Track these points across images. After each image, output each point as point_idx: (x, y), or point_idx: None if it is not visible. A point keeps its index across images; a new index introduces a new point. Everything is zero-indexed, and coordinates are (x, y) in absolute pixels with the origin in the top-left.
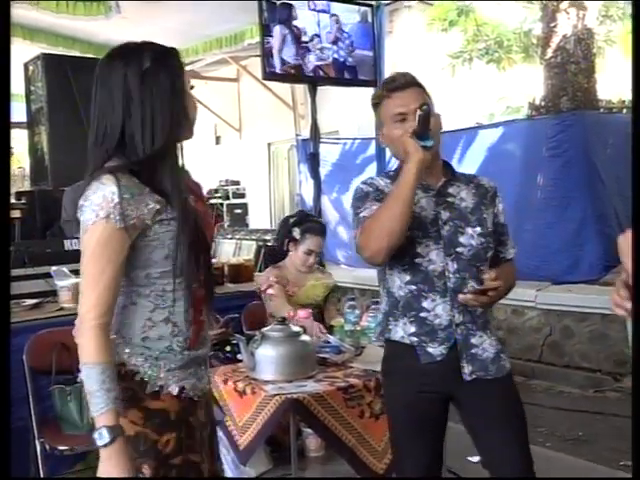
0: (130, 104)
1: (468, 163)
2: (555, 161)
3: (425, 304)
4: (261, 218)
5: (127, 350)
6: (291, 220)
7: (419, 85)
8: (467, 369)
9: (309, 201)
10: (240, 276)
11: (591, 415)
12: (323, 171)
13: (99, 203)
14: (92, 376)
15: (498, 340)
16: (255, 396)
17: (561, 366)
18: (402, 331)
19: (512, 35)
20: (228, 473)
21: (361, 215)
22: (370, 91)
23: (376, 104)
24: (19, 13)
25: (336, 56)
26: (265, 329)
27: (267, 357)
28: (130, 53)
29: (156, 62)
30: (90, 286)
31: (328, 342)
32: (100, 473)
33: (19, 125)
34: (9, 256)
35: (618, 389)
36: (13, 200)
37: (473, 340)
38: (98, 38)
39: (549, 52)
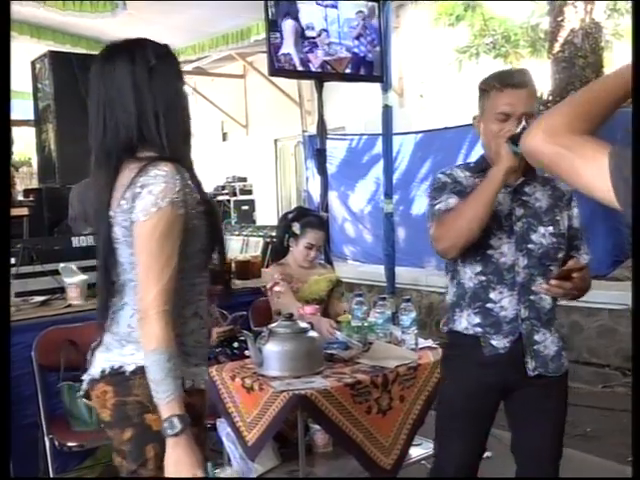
0: (142, 98)
1: (475, 159)
2: None
3: (492, 295)
4: (268, 214)
5: None
6: (290, 216)
7: (533, 86)
8: (531, 364)
9: (316, 197)
10: (247, 273)
11: (599, 410)
12: (330, 167)
13: (161, 190)
14: (160, 363)
15: (560, 338)
16: (263, 392)
17: (570, 361)
18: (466, 322)
19: (519, 29)
20: (236, 469)
21: (436, 207)
22: (377, 87)
23: (483, 90)
24: (26, 11)
25: (353, 52)
26: (272, 325)
27: (275, 353)
28: (133, 49)
29: (161, 59)
30: (156, 274)
31: (336, 338)
32: (171, 463)
33: (26, 123)
34: (9, 255)
35: (626, 384)
36: (21, 197)
37: (537, 336)
38: (105, 35)
39: (557, 46)
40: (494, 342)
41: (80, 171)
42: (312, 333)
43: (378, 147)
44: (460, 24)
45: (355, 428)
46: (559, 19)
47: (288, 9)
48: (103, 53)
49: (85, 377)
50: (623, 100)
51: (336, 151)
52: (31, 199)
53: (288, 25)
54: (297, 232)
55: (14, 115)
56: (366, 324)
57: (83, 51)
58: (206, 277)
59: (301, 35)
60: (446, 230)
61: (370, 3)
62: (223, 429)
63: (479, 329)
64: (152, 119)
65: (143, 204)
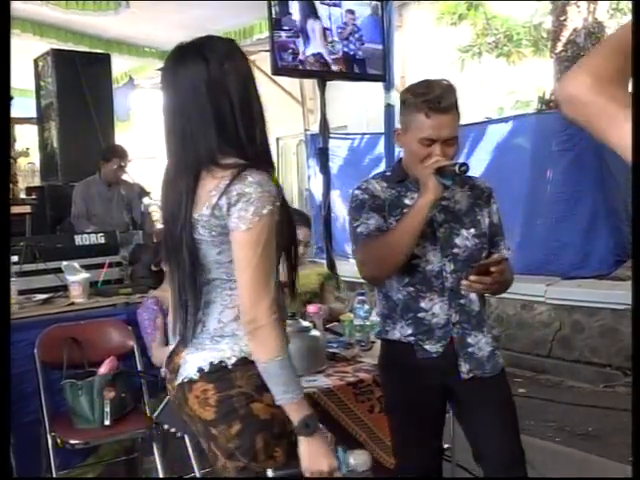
0: (218, 102)
1: (477, 158)
2: (565, 155)
3: (423, 304)
4: None
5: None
6: None
7: (457, 107)
8: (464, 367)
9: (318, 196)
10: None
11: (601, 410)
12: (332, 166)
13: (260, 198)
14: (284, 368)
15: (493, 338)
16: None
17: (571, 361)
18: (399, 333)
19: (522, 29)
20: None
21: (358, 231)
22: (379, 85)
23: (406, 106)
24: (29, 9)
25: (346, 50)
26: None
27: None
28: (204, 50)
29: (232, 56)
30: (263, 284)
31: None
32: (308, 457)
33: (29, 121)
34: (9, 254)
35: (628, 384)
36: (23, 195)
37: (469, 339)
38: (108, 33)
39: (559, 46)
40: (427, 347)
41: (82, 169)
42: (314, 332)
43: (380, 146)
44: (462, 23)
45: (358, 427)
46: (562, 18)
47: (309, 10)
48: (172, 56)
49: (175, 382)
50: None
51: (338, 150)
52: (34, 197)
53: (317, 25)
54: None
55: (17, 113)
56: (368, 323)
57: (86, 49)
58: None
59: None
60: (371, 259)
61: (373, 2)
62: None
63: (412, 338)
64: (231, 123)
65: (243, 213)
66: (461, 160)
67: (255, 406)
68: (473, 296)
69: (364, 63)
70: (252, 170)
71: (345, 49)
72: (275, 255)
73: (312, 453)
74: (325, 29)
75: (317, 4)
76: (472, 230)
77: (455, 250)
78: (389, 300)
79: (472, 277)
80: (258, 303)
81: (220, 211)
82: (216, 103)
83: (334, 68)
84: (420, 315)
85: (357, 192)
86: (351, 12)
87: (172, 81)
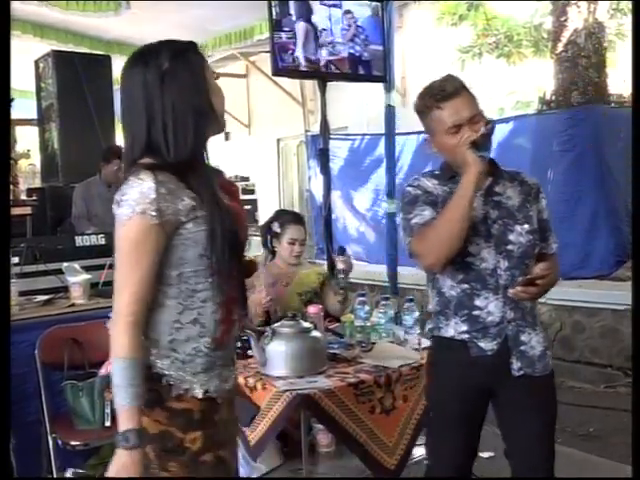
0: (152, 107)
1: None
2: (566, 156)
3: (478, 302)
4: (271, 214)
5: (154, 352)
6: (269, 219)
7: (466, 88)
8: (516, 365)
9: (318, 197)
10: (250, 272)
11: (602, 410)
12: (333, 167)
13: (136, 198)
14: (119, 371)
15: (545, 337)
16: (266, 392)
17: (572, 361)
18: (453, 330)
19: (522, 29)
20: (239, 469)
21: (413, 222)
22: (379, 86)
23: (422, 112)
24: (30, 10)
25: (352, 51)
26: (276, 325)
27: (278, 353)
28: (148, 55)
29: (174, 60)
30: (125, 282)
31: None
32: (113, 470)
33: (30, 122)
34: (9, 255)
35: (629, 384)
36: (24, 197)
37: (523, 337)
38: (108, 35)
39: (560, 46)
40: (482, 344)
41: (83, 170)
42: (315, 333)
43: (381, 147)
44: (463, 24)
45: (358, 428)
46: (562, 19)
47: (301, 9)
48: (125, 62)
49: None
50: None
51: (339, 151)
52: (34, 198)
53: (305, 26)
54: (278, 230)
55: (17, 114)
56: (369, 324)
57: (86, 50)
58: (218, 282)
59: (314, 37)
60: (428, 245)
61: (374, 3)
62: None
63: (466, 335)
64: (160, 127)
65: (120, 212)
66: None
67: (143, 419)
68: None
69: (369, 64)
70: (140, 171)
71: (351, 50)
72: (147, 259)
73: (119, 467)
74: (323, 30)
75: (316, 5)
76: (526, 226)
77: (509, 247)
78: (442, 296)
79: (518, 288)
80: (118, 300)
81: (115, 209)
82: (150, 107)
83: (333, 69)
84: (475, 313)
85: (409, 188)
86: (349, 12)
87: (120, 84)
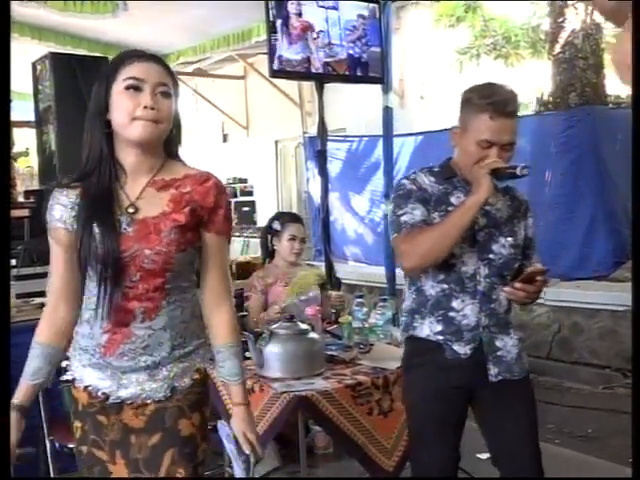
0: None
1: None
2: (564, 157)
3: (454, 304)
4: (269, 216)
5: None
6: (269, 219)
7: (517, 114)
8: (493, 370)
9: (317, 198)
10: (248, 274)
11: (600, 412)
12: (331, 168)
13: (49, 210)
14: (30, 350)
15: (519, 339)
16: (263, 394)
17: (570, 363)
18: (428, 329)
19: (520, 30)
20: (237, 471)
21: (402, 219)
22: (377, 88)
23: (470, 105)
24: (27, 12)
25: (351, 52)
26: (273, 326)
27: (275, 354)
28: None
29: (100, 73)
30: (50, 280)
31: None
32: None
33: (27, 124)
34: (9, 257)
35: (627, 385)
36: (21, 199)
37: (497, 342)
38: (106, 36)
39: (557, 47)
40: (456, 347)
41: None
42: (313, 334)
43: (379, 148)
44: (460, 25)
45: (356, 430)
46: (560, 20)
47: (285, 10)
48: None
49: None
50: None
51: (337, 152)
52: (32, 200)
53: (281, 26)
54: (278, 228)
55: (15, 116)
56: (367, 325)
57: (84, 52)
58: (101, 293)
59: (304, 36)
60: (415, 249)
61: (371, 4)
62: (224, 430)
63: (440, 336)
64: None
65: None
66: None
67: None
68: (503, 300)
69: (368, 66)
70: (55, 187)
71: (350, 51)
72: (54, 259)
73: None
74: (321, 32)
75: (314, 7)
76: (510, 239)
77: (491, 256)
78: (421, 294)
79: (517, 284)
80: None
81: None
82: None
83: (331, 71)
84: (451, 314)
85: (405, 181)
86: (351, 14)
87: None
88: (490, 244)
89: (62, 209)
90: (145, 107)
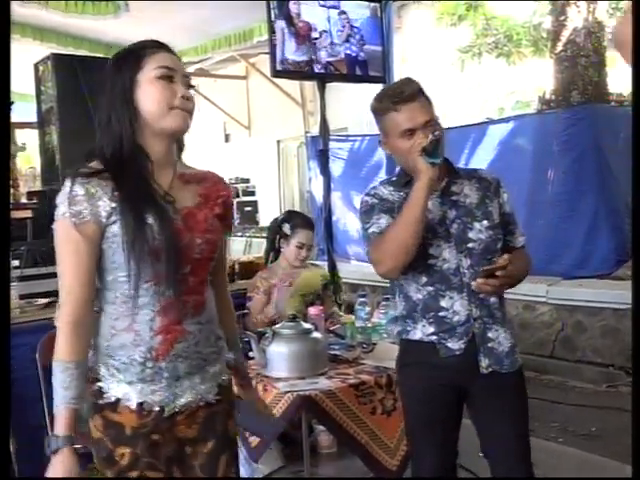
0: (95, 110)
1: (478, 158)
2: (566, 155)
3: (443, 303)
4: (271, 215)
5: (94, 356)
6: (280, 218)
7: (424, 93)
8: (484, 362)
9: (319, 198)
10: (250, 273)
11: (603, 410)
12: (333, 168)
13: (60, 201)
14: (55, 372)
15: (512, 334)
16: (267, 393)
17: (573, 361)
18: (421, 332)
19: (521, 29)
20: (240, 470)
21: (370, 231)
22: (379, 87)
23: (378, 113)
24: (29, 13)
25: (348, 52)
26: (276, 326)
27: (279, 354)
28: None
29: (111, 66)
30: (61, 283)
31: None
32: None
33: (30, 125)
34: (9, 258)
35: (630, 384)
36: (24, 200)
37: (490, 334)
38: (107, 37)
39: (559, 46)
40: (450, 344)
41: None
42: (316, 334)
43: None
44: (462, 24)
45: (359, 429)
46: (561, 18)
47: (286, 9)
48: None
49: None
50: None
51: (339, 152)
52: (35, 201)
53: (281, 26)
54: (287, 233)
55: (17, 117)
56: (370, 325)
57: (86, 53)
58: (154, 289)
59: (305, 36)
60: (383, 253)
61: (372, 4)
62: None
63: (434, 337)
64: (98, 131)
65: (54, 215)
66: (461, 162)
67: (90, 421)
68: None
69: (366, 65)
70: (67, 177)
71: (347, 51)
72: (75, 261)
73: (49, 469)
74: (323, 32)
75: (315, 7)
76: (485, 222)
77: (470, 245)
78: (409, 300)
79: (479, 280)
80: (59, 304)
81: None
82: (95, 114)
83: (333, 70)
84: (441, 314)
85: (366, 198)
86: (343, 13)
87: None
88: (466, 233)
89: (93, 200)
90: (182, 97)
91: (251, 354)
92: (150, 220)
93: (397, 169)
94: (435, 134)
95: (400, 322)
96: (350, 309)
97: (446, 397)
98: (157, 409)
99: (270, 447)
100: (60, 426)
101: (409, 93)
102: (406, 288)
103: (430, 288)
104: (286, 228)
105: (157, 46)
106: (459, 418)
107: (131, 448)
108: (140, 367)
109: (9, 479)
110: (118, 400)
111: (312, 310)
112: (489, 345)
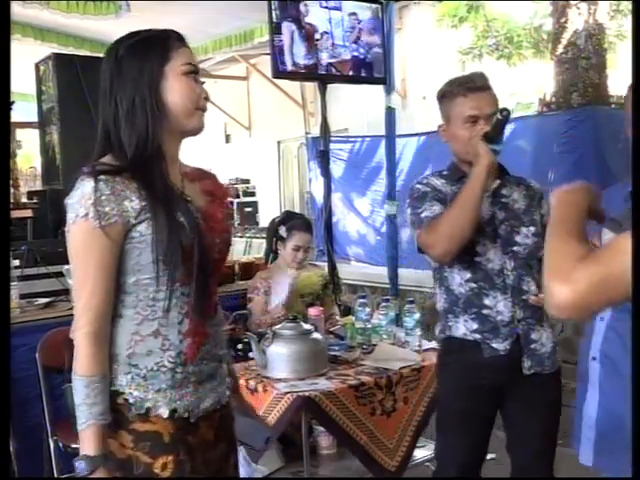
0: (106, 102)
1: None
2: (567, 157)
3: (487, 301)
4: (271, 216)
5: (114, 367)
6: (277, 220)
7: (493, 89)
8: (527, 363)
9: (319, 199)
10: (251, 274)
11: None
12: (333, 169)
13: (78, 201)
14: (78, 388)
15: (553, 334)
16: (267, 394)
17: (574, 363)
18: (464, 328)
19: (522, 31)
20: (240, 471)
21: (423, 215)
22: (380, 88)
23: (446, 98)
24: (30, 13)
25: (356, 53)
26: (276, 327)
27: (279, 355)
28: (112, 47)
29: (130, 51)
30: (77, 291)
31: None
32: None
33: (31, 125)
34: (9, 257)
35: None
36: (25, 200)
37: (533, 335)
38: (108, 37)
39: (560, 48)
40: (495, 345)
41: None
42: (316, 335)
43: (381, 149)
44: (463, 25)
45: (359, 430)
46: (562, 20)
47: (291, 11)
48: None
49: None
50: None
51: (340, 153)
52: (35, 201)
53: (289, 27)
54: (284, 235)
55: (18, 117)
56: (370, 326)
57: (87, 53)
58: (178, 292)
59: (305, 37)
60: (439, 236)
61: (373, 5)
62: None
63: (478, 335)
64: (112, 124)
65: (67, 217)
66: None
67: (111, 443)
68: (534, 290)
69: (371, 66)
70: (85, 174)
71: (355, 52)
72: (97, 264)
73: None
74: (325, 33)
75: (316, 8)
76: (532, 228)
77: (515, 248)
78: (450, 294)
79: (542, 295)
80: (75, 311)
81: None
82: (105, 105)
83: (334, 71)
84: (484, 312)
85: (418, 185)
86: (353, 14)
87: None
88: (513, 236)
89: (119, 200)
90: (205, 98)
91: (251, 354)
92: (182, 219)
93: (449, 162)
94: (502, 114)
95: (441, 319)
96: (347, 311)
97: (486, 396)
98: (186, 415)
99: (270, 447)
100: (91, 445)
101: (480, 83)
102: (449, 281)
103: (473, 285)
104: (282, 231)
105: (181, 39)
106: (494, 420)
107: (173, 455)
108: (170, 373)
109: (9, 479)
110: (148, 410)
111: (312, 311)
112: (532, 346)
